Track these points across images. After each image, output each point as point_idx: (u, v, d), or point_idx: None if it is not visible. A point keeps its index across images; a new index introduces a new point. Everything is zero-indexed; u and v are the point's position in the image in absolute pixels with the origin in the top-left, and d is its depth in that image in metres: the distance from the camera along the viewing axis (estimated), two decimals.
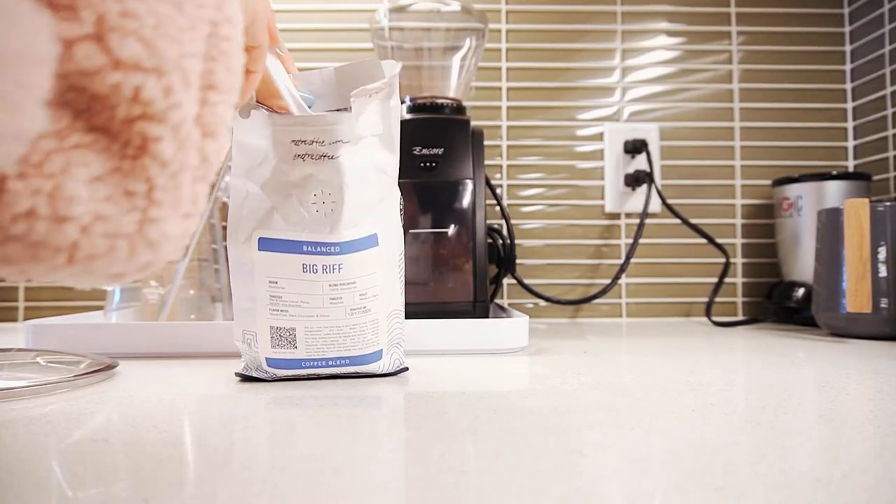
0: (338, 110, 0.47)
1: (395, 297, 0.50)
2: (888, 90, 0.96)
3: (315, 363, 0.47)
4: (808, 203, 0.90)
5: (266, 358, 0.47)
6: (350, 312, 0.46)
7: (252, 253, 0.45)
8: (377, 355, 0.49)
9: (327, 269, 0.45)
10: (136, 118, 0.23)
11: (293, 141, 0.45)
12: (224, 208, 0.84)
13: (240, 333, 0.47)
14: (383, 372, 0.50)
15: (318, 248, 0.45)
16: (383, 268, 0.48)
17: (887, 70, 0.96)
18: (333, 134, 0.45)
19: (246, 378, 0.48)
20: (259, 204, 0.46)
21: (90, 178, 0.22)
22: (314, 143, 0.45)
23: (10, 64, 0.17)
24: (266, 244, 0.45)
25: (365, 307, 0.47)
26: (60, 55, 0.20)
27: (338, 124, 0.45)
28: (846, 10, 1.04)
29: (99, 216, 0.22)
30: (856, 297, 0.71)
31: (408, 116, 0.75)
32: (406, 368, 0.51)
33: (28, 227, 0.21)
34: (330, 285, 0.46)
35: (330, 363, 0.47)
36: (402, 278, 0.50)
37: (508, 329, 0.63)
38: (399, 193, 0.50)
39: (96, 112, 0.22)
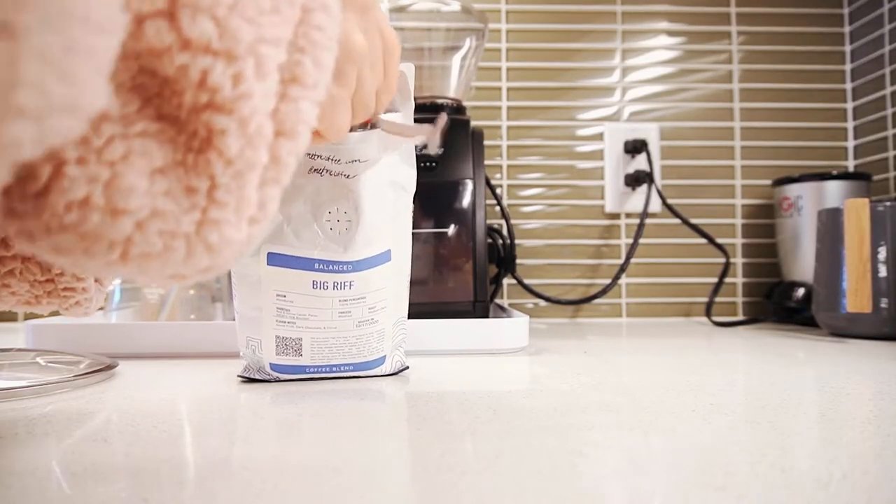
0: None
1: (402, 306, 0.49)
2: (888, 90, 0.96)
3: (319, 369, 0.47)
4: (808, 203, 0.90)
5: (270, 363, 0.46)
6: (358, 324, 0.46)
7: (260, 266, 0.44)
8: (381, 360, 0.49)
9: (338, 286, 0.44)
10: (203, 107, 0.21)
11: (308, 154, 0.43)
12: None
13: (243, 339, 0.46)
14: (385, 373, 0.50)
15: (331, 267, 0.44)
16: (393, 281, 0.47)
17: (887, 70, 0.96)
18: (352, 153, 0.43)
19: (248, 379, 0.48)
20: None
21: (151, 170, 0.21)
22: (330, 160, 0.43)
23: (69, 25, 0.15)
24: (276, 259, 0.44)
25: (373, 319, 0.47)
26: (132, 31, 0.19)
27: (361, 143, 0.42)
28: (846, 10, 1.04)
29: (156, 212, 0.21)
30: (856, 297, 0.71)
31: None
32: (406, 367, 0.51)
33: (81, 217, 0.19)
34: (340, 300, 0.45)
35: (334, 369, 0.48)
36: (408, 286, 0.50)
37: (508, 329, 0.63)
38: (412, 208, 0.49)
39: (166, 98, 0.21)
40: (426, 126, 0.40)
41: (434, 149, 0.39)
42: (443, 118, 0.39)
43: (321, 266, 0.44)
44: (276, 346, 0.45)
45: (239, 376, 0.48)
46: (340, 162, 0.43)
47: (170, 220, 0.21)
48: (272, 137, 0.22)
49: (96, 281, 0.37)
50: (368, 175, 0.44)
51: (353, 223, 0.44)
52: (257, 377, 0.47)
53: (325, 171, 0.43)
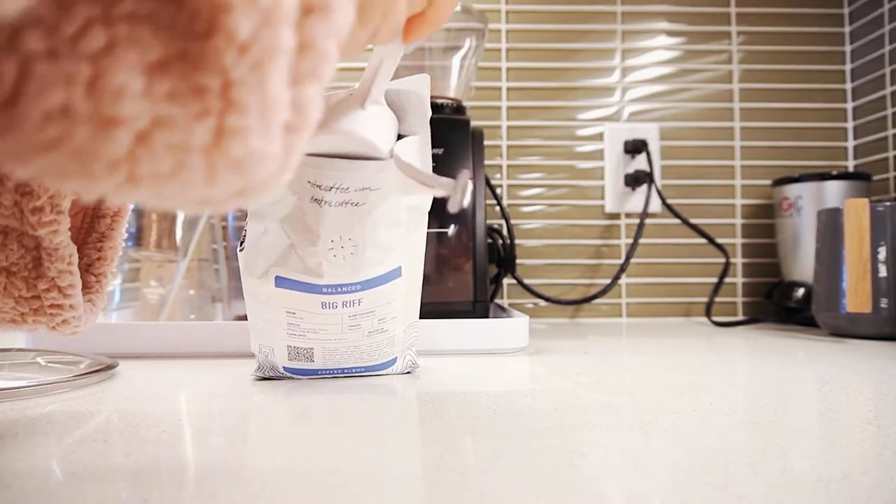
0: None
1: (413, 313, 0.49)
2: (888, 90, 0.96)
3: (331, 371, 0.48)
4: (808, 203, 0.90)
5: (283, 367, 0.47)
6: (368, 335, 0.46)
7: (268, 287, 0.43)
8: (392, 362, 0.49)
9: (347, 304, 0.44)
10: None
11: (310, 182, 0.40)
12: None
13: (256, 345, 0.47)
14: (396, 373, 0.51)
15: (339, 289, 0.43)
16: (404, 294, 0.47)
17: (887, 70, 0.96)
18: (363, 182, 0.40)
19: (262, 378, 0.49)
20: (278, 240, 0.42)
21: (146, 65, 0.16)
22: (333, 190, 0.40)
23: None
24: (283, 282, 0.43)
25: (383, 329, 0.47)
26: None
27: (377, 173, 0.40)
28: (846, 10, 1.04)
29: (159, 120, 0.16)
30: (856, 297, 0.71)
31: None
32: (417, 366, 0.52)
33: (65, 129, 0.15)
34: (349, 316, 0.45)
35: (346, 371, 0.48)
36: (420, 292, 0.49)
37: (508, 329, 0.63)
38: (426, 221, 0.47)
39: None
40: (447, 180, 0.35)
41: (455, 208, 0.33)
42: (465, 176, 0.33)
43: (329, 290, 0.43)
44: (289, 353, 0.46)
45: (252, 374, 0.49)
46: (349, 190, 0.40)
47: (178, 131, 0.16)
48: (298, 15, 0.17)
49: (87, 300, 0.36)
50: (380, 202, 0.42)
51: (360, 248, 0.42)
52: (270, 375, 0.48)
53: (324, 202, 0.41)
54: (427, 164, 0.44)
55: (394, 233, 0.43)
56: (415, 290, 0.48)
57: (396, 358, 0.49)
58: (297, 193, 0.41)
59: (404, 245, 0.45)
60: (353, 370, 0.48)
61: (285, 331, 0.45)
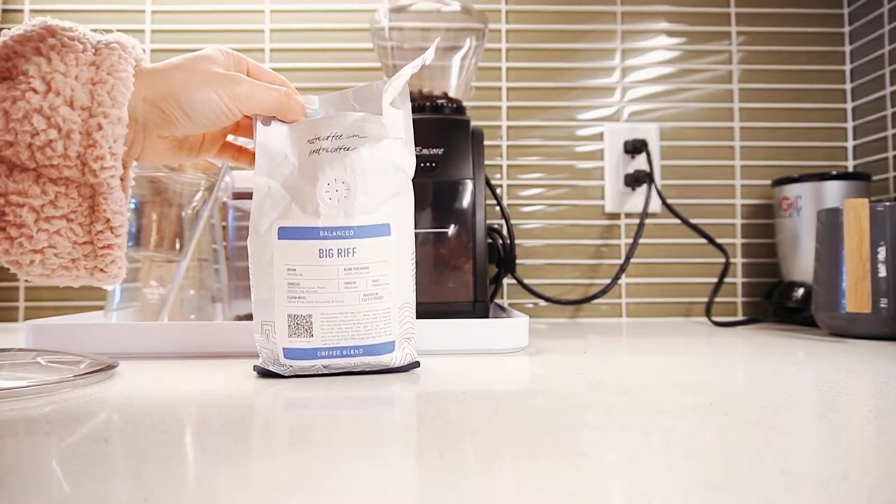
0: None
1: (407, 291, 0.51)
2: (888, 90, 0.96)
3: (330, 352, 0.48)
4: (807, 203, 0.90)
5: (283, 348, 0.48)
6: (363, 298, 0.48)
7: (272, 242, 0.48)
8: (389, 346, 0.50)
9: (342, 253, 0.48)
10: None
11: (309, 140, 0.49)
12: (224, 208, 0.84)
13: (258, 325, 0.49)
14: (395, 365, 0.51)
15: (334, 233, 0.48)
16: (395, 258, 0.50)
17: (887, 70, 0.96)
18: (353, 129, 0.49)
19: (264, 373, 0.49)
20: (280, 198, 0.48)
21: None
22: (330, 139, 0.48)
23: None
24: (285, 233, 0.48)
25: (377, 294, 0.48)
26: None
27: (363, 122, 0.49)
28: (846, 11, 1.04)
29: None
30: (855, 297, 0.71)
31: None
32: (417, 363, 0.52)
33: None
34: (345, 269, 0.48)
35: (344, 352, 0.49)
36: (414, 276, 0.52)
37: (508, 329, 0.63)
38: (413, 194, 0.52)
39: None
40: (419, 58, 0.51)
41: (429, 60, 0.50)
42: (435, 42, 0.53)
43: (326, 234, 0.47)
44: (289, 326, 0.48)
45: (255, 367, 0.50)
46: (342, 137, 0.49)
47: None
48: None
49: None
50: (369, 151, 0.49)
51: (352, 190, 0.48)
52: (272, 370, 0.49)
53: (321, 150, 0.49)
54: (412, 134, 0.52)
55: (381, 185, 0.49)
56: (406, 263, 0.51)
57: (394, 342, 0.50)
58: (298, 156, 0.49)
59: (392, 203, 0.50)
60: (352, 350, 0.48)
61: (286, 295, 0.47)
